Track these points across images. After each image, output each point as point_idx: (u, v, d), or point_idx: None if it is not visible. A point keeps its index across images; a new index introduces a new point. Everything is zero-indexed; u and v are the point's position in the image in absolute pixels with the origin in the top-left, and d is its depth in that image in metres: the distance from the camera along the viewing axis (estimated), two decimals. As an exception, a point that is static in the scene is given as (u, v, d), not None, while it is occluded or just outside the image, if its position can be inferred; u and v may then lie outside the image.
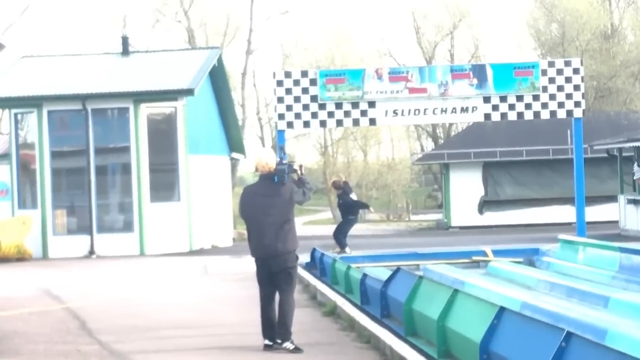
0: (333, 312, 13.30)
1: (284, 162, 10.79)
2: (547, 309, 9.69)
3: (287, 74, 25.20)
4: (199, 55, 31.73)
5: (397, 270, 12.64)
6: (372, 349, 10.49)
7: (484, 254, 20.13)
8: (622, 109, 51.78)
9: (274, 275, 10.65)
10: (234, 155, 35.58)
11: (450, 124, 60.15)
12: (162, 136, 27.85)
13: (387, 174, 63.56)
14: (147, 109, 27.59)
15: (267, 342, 10.68)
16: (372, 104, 24.58)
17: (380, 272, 15.79)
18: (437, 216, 50.71)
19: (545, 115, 24.89)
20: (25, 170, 28.00)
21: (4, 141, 32.58)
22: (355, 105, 24.56)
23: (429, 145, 65.54)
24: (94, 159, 27.42)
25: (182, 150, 27.64)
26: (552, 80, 24.68)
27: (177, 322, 13.16)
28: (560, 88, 24.65)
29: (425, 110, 24.74)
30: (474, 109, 24.73)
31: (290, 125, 24.75)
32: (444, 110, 24.76)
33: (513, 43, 72.25)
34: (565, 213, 36.52)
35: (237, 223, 34.62)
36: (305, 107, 24.51)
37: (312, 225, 45.95)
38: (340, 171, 60.88)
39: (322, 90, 24.49)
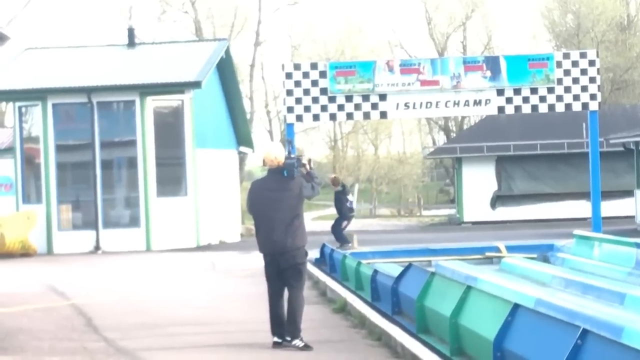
0: (343, 309, 13.21)
1: (293, 156, 10.70)
2: (562, 306, 9.57)
3: (297, 66, 25.00)
4: (206, 47, 31.62)
5: (409, 266, 12.53)
6: (383, 347, 10.39)
7: (497, 249, 20.18)
8: (639, 101, 51.34)
9: (283, 272, 10.54)
10: (242, 149, 35.62)
11: (463, 117, 59.98)
12: (169, 130, 27.70)
13: (398, 168, 63.24)
14: (153, 102, 27.46)
15: (276, 339, 10.58)
16: (383, 97, 24.37)
17: (391, 268, 15.69)
18: (449, 211, 50.55)
19: (560, 108, 24.72)
20: (30, 164, 27.91)
21: (8, 135, 32.50)
22: (365, 98, 24.37)
23: (441, 139, 65.31)
24: (99, 152, 27.29)
25: (189, 144, 27.50)
26: (567, 73, 24.48)
27: (184, 319, 13.07)
28: (575, 80, 24.47)
29: (437, 103, 24.55)
30: (487, 101, 24.52)
31: (299, 118, 24.56)
32: (456, 103, 24.57)
33: (527, 34, 71.82)
34: (580, 208, 36.49)
35: (245, 218, 34.54)
36: (315, 100, 24.32)
37: (322, 220, 45.62)
38: (350, 165, 60.52)
39: (332, 83, 24.28)
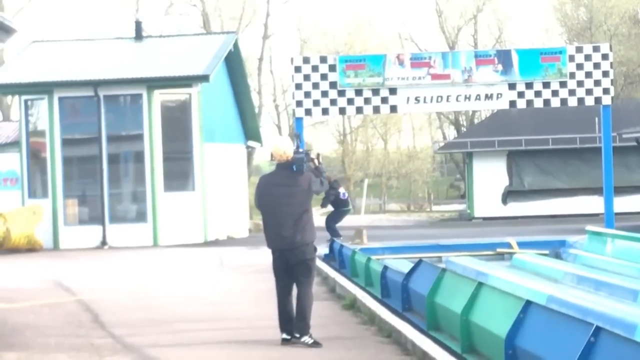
0: (353, 305, 13.16)
1: (301, 150, 10.64)
2: (575, 303, 9.51)
3: (306, 60, 24.98)
4: (214, 40, 31.49)
5: (419, 262, 12.41)
6: (393, 344, 10.32)
7: (509, 245, 20.14)
8: (653, 96, 51.17)
9: (292, 268, 10.50)
10: (250, 143, 35.58)
11: (474, 112, 59.76)
12: (176, 124, 27.57)
13: (408, 163, 63.06)
14: (160, 96, 27.32)
15: (284, 336, 10.51)
16: (393, 91, 24.35)
17: (401, 264, 15.58)
18: (459, 207, 50.49)
19: (572, 102, 24.73)
20: (36, 158, 27.81)
21: (13, 128, 32.35)
22: (375, 92, 24.36)
23: (452, 134, 65.14)
24: (106, 147, 27.15)
25: (196, 138, 27.38)
26: (579, 67, 24.49)
27: (192, 315, 13.03)
28: (588, 74, 24.47)
29: (448, 97, 24.52)
30: (499, 95, 24.50)
31: (308, 112, 24.58)
32: (467, 97, 24.56)
33: (539, 28, 71.51)
34: (592, 204, 36.38)
35: (253, 213, 34.50)
36: (324, 93, 24.32)
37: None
38: (359, 160, 60.27)
39: (342, 77, 24.26)
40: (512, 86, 24.32)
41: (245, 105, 33.67)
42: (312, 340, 10.30)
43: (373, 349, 10.15)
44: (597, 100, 24.52)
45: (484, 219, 39.41)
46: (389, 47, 57.22)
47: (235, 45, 31.08)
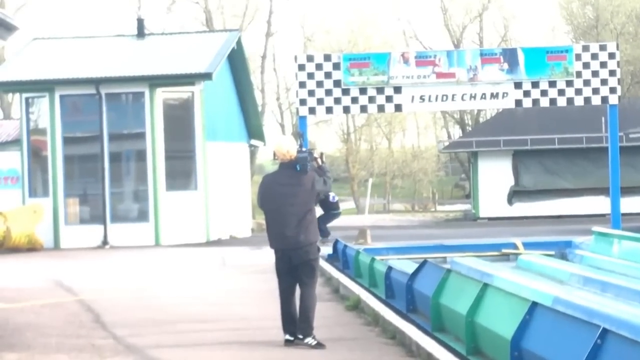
0: (356, 306, 13.12)
1: (304, 149, 10.61)
2: (581, 305, 9.27)
3: (309, 58, 24.91)
4: (217, 38, 31.48)
5: (424, 263, 12.43)
6: (397, 345, 10.31)
7: (514, 246, 20.18)
8: (660, 95, 50.94)
9: (295, 268, 10.46)
10: (253, 142, 35.63)
11: (479, 111, 59.48)
12: (179, 122, 27.51)
13: (413, 163, 62.86)
14: (163, 94, 27.30)
15: (288, 337, 10.50)
16: (397, 90, 24.21)
17: (405, 264, 15.56)
18: (464, 207, 50.35)
19: (579, 101, 24.60)
20: (37, 156, 27.77)
21: (14, 127, 32.28)
22: (380, 90, 24.22)
23: (457, 133, 64.93)
24: (107, 145, 27.10)
25: (199, 136, 27.33)
26: (586, 66, 24.34)
27: (194, 316, 13.04)
28: (595, 73, 24.33)
29: (453, 96, 24.39)
30: (505, 95, 24.38)
31: (312, 111, 24.46)
32: (473, 96, 24.43)
33: (545, 26, 71.12)
34: (599, 204, 36.39)
35: (256, 213, 34.36)
36: (328, 92, 24.17)
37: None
38: (363, 159, 60.07)
39: (346, 75, 24.13)
40: (518, 85, 24.19)
41: (248, 103, 33.65)
42: (315, 342, 10.27)
43: (377, 350, 10.13)
44: (604, 99, 24.38)
45: (489, 219, 39.38)
46: (393, 44, 57.06)
47: (238, 43, 31.03)
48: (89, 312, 13.49)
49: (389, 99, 24.15)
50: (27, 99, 27.76)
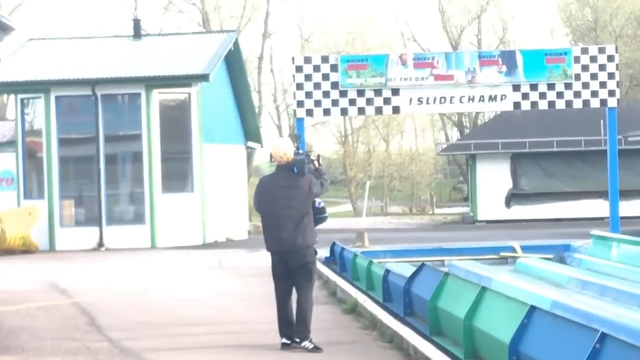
0: (354, 309, 13.13)
1: (301, 152, 10.60)
2: (580, 309, 9.37)
3: (307, 60, 24.87)
4: (214, 39, 31.41)
5: (422, 266, 12.52)
6: (395, 349, 10.32)
7: (513, 249, 20.32)
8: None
9: (292, 271, 10.47)
10: (250, 144, 35.51)
11: (478, 113, 59.53)
12: (175, 124, 27.43)
13: (410, 165, 62.89)
14: (159, 95, 27.16)
15: (284, 340, 10.49)
16: (395, 92, 24.22)
17: (403, 268, 15.59)
18: (462, 210, 50.35)
19: (577, 104, 24.59)
20: (32, 158, 27.67)
21: (9, 128, 32.32)
22: (378, 92, 24.23)
23: (455, 135, 64.84)
24: (103, 147, 27.00)
25: (196, 138, 27.24)
26: (585, 68, 24.38)
27: (191, 319, 12.99)
28: (593, 76, 24.36)
29: (451, 98, 24.40)
30: (503, 97, 24.36)
31: (309, 113, 24.49)
32: (471, 99, 24.42)
33: (543, 28, 71.13)
34: (597, 207, 36.53)
35: (253, 215, 34.26)
36: (326, 94, 24.17)
37: (331, 218, 45.21)
38: (360, 161, 59.99)
39: (344, 77, 24.13)
40: (516, 87, 24.18)
41: (245, 105, 33.55)
42: (312, 345, 10.26)
43: (374, 354, 10.13)
44: (603, 102, 24.38)
45: (487, 222, 39.37)
46: (390, 46, 56.98)
47: (235, 44, 30.97)
48: (84, 314, 13.45)
49: (386, 101, 24.17)
50: (22, 99, 27.68)
